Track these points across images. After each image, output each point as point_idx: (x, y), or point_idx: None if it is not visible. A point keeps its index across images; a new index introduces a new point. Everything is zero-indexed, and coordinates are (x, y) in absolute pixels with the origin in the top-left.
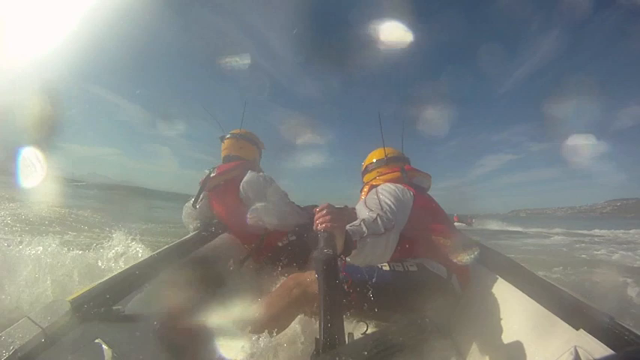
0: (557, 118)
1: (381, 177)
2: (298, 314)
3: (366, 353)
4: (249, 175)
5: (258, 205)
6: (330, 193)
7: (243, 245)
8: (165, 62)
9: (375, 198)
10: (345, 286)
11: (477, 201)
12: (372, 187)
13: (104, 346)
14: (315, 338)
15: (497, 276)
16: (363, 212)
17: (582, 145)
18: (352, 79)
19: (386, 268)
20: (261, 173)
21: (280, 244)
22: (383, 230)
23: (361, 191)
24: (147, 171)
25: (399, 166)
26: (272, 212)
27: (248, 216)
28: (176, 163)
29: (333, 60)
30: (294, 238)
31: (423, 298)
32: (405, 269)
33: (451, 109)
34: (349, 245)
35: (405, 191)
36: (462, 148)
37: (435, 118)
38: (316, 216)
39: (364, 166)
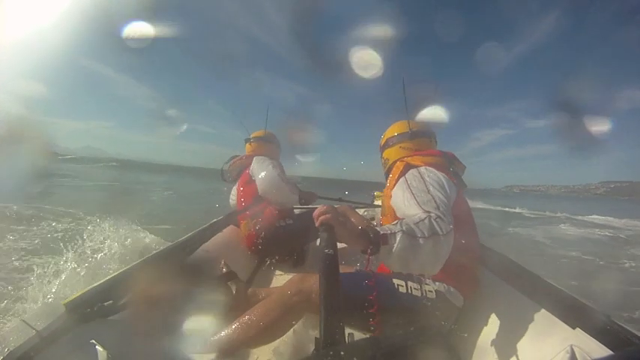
0: (553, 97)
1: (419, 157)
2: (297, 321)
3: (370, 354)
4: (255, 159)
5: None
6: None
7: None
8: (159, 34)
9: (423, 188)
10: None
11: (471, 175)
12: (409, 166)
13: (99, 348)
14: (315, 337)
15: (493, 274)
16: (403, 198)
17: (578, 126)
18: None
19: (402, 289)
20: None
21: (277, 224)
22: (427, 234)
23: (389, 166)
24: (143, 143)
25: (434, 147)
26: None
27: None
28: (173, 134)
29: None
30: (290, 222)
31: (432, 324)
32: (422, 294)
33: (449, 81)
34: (376, 239)
35: (451, 185)
36: (458, 120)
37: (432, 88)
38: (315, 215)
39: (384, 140)
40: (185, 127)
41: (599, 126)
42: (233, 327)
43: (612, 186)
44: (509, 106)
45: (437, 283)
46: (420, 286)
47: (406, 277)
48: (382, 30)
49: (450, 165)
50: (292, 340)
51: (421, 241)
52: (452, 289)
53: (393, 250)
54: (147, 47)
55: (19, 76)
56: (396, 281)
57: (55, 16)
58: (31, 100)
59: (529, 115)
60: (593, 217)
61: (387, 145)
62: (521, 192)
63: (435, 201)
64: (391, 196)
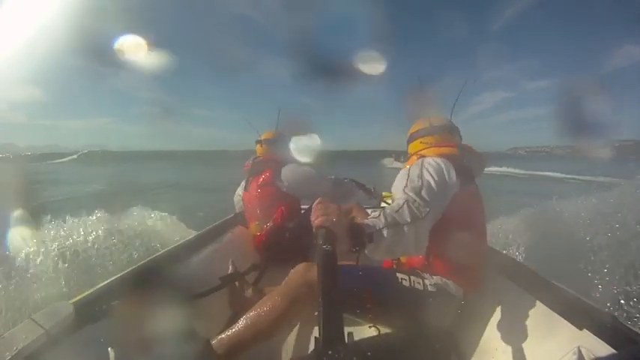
0: (552, 56)
1: (433, 148)
2: (304, 312)
3: (369, 354)
4: (286, 168)
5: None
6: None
7: (252, 233)
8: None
9: (418, 171)
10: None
11: (478, 137)
12: (421, 157)
13: (107, 347)
14: (315, 337)
15: (500, 275)
16: (399, 184)
17: (575, 85)
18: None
19: (406, 283)
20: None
21: (288, 225)
22: (409, 219)
23: (408, 160)
24: (142, 135)
25: (454, 141)
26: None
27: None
28: (169, 121)
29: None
30: (299, 222)
31: (432, 317)
32: (424, 288)
33: (445, 46)
34: (361, 237)
35: (451, 172)
36: (458, 85)
37: (429, 54)
38: (312, 213)
39: (408, 135)
40: (180, 111)
41: (597, 82)
42: (240, 323)
43: (617, 145)
44: (507, 68)
45: (435, 277)
46: (422, 281)
47: (409, 272)
48: None
49: (465, 157)
50: (292, 338)
51: (405, 228)
52: (450, 282)
53: (379, 246)
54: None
55: (15, 84)
56: (399, 275)
57: (44, 19)
58: (28, 105)
59: (527, 76)
60: None
61: (410, 140)
62: (527, 154)
63: (422, 183)
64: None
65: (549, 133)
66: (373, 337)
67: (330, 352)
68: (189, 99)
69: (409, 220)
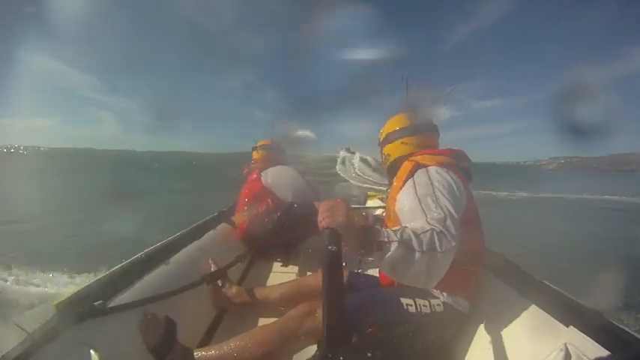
0: (498, 78)
1: (429, 155)
2: (297, 352)
3: (369, 355)
4: (273, 167)
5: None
6: None
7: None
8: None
9: (431, 195)
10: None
11: None
12: (418, 165)
13: (91, 351)
14: (318, 339)
15: (486, 272)
16: (414, 214)
17: (523, 105)
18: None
19: (412, 309)
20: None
21: (271, 214)
22: (425, 248)
23: (391, 163)
24: (89, 137)
25: (436, 142)
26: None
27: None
28: (119, 127)
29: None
30: (285, 212)
31: (437, 336)
32: (431, 310)
33: (390, 63)
34: (370, 241)
35: (461, 190)
36: (402, 103)
37: (373, 70)
38: (319, 214)
39: (384, 135)
40: (128, 117)
41: (544, 103)
42: (225, 346)
43: (562, 161)
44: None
45: (444, 294)
46: (429, 302)
47: (413, 294)
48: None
49: (460, 163)
50: None
51: (417, 255)
52: (458, 298)
53: (385, 258)
54: (88, 32)
55: None
56: (404, 300)
57: None
58: None
59: (474, 96)
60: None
61: (387, 141)
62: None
63: (443, 211)
64: (397, 200)
65: (496, 151)
66: (373, 337)
67: (330, 356)
68: (135, 102)
69: (425, 248)
